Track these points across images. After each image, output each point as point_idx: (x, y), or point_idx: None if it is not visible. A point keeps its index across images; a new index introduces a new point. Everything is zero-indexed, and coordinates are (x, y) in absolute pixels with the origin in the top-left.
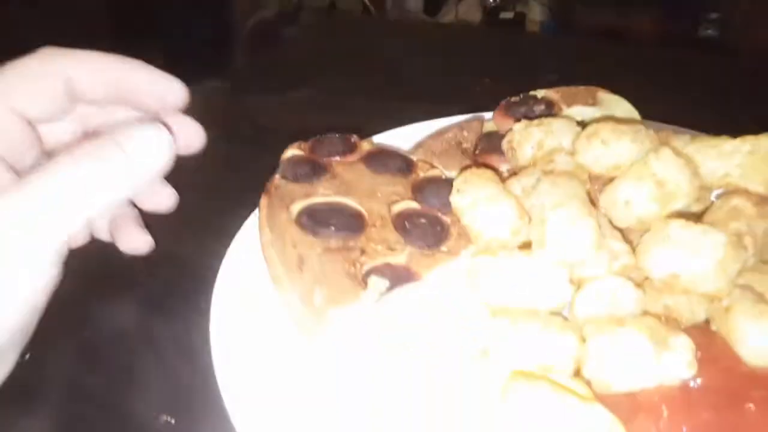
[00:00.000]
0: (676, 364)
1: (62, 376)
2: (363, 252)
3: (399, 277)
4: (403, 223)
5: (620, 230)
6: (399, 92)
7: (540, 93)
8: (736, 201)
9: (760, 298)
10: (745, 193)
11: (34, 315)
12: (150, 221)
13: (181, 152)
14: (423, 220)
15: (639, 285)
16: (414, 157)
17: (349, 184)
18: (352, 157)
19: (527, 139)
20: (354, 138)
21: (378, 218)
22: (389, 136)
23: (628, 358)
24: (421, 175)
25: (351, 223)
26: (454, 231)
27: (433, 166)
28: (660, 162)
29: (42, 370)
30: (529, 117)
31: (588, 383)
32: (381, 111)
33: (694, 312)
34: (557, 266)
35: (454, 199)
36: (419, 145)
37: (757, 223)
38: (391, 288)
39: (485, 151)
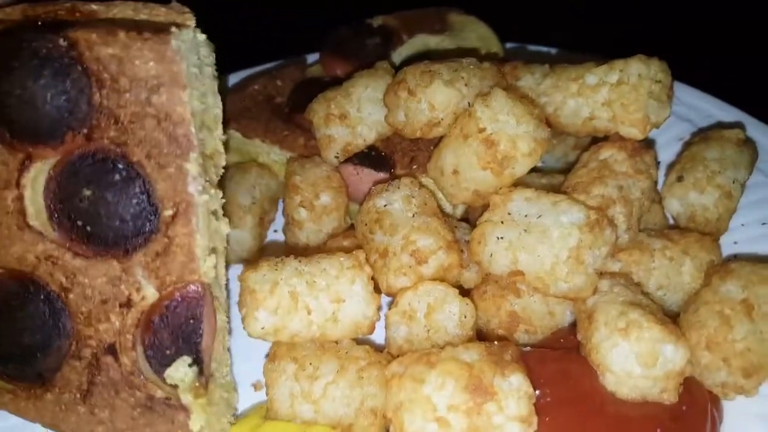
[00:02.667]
0: (505, 422)
1: None
2: None
3: None
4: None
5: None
6: None
7: (377, 20)
8: (607, 153)
9: (633, 295)
10: (619, 140)
11: None
12: None
13: None
14: (87, 192)
15: (480, 286)
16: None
17: None
18: None
19: (328, 125)
20: None
21: None
22: None
23: (435, 418)
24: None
25: None
26: (161, 180)
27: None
28: (489, 111)
29: None
30: (360, 56)
31: None
32: None
33: (555, 316)
34: (344, 271)
35: None
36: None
37: (633, 183)
38: None
39: (299, 107)
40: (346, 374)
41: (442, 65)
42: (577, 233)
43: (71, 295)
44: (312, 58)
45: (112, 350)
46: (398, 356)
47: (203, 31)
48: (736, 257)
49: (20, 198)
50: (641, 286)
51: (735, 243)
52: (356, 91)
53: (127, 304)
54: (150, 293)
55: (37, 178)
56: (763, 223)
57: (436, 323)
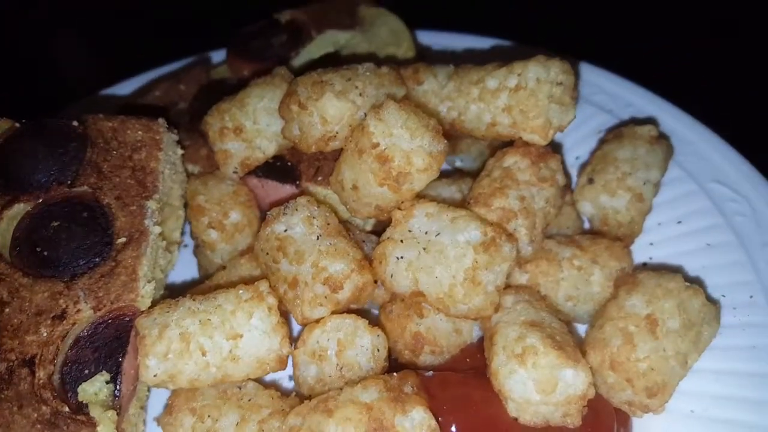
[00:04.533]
0: None
1: None
2: None
3: None
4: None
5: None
6: None
7: (285, 15)
8: (510, 160)
9: (536, 312)
10: (524, 146)
11: None
12: None
13: None
14: (56, 223)
15: (387, 305)
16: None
17: None
18: None
19: (223, 140)
20: None
21: None
22: None
23: None
24: None
25: None
26: (123, 216)
27: None
28: (382, 125)
29: None
30: (266, 56)
31: None
32: None
33: (462, 334)
34: (242, 304)
35: None
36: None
37: (536, 192)
38: None
39: (200, 115)
40: (247, 426)
41: (335, 74)
42: (471, 253)
43: (7, 309)
44: (218, 56)
45: (30, 363)
46: (309, 397)
47: None
48: (648, 264)
49: None
50: (549, 298)
51: (651, 244)
52: (251, 101)
53: (61, 316)
54: (86, 309)
55: (15, 216)
56: (679, 222)
57: (349, 360)
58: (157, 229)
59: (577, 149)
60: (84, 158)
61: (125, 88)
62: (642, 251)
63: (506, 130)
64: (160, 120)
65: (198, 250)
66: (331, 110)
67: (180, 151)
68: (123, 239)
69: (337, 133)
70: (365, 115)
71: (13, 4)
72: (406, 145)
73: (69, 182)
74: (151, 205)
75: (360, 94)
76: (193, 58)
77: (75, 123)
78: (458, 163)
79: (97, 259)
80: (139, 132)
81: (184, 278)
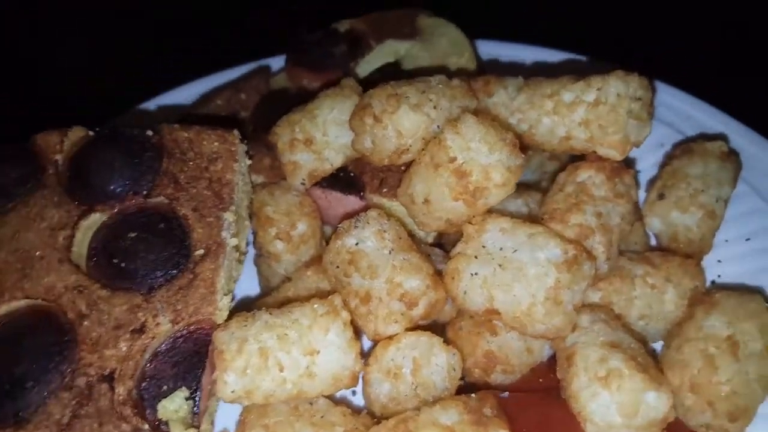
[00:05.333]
0: None
1: None
2: None
3: None
4: (103, 257)
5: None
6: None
7: (344, 25)
8: (584, 175)
9: (614, 332)
10: (597, 160)
11: None
12: None
13: None
14: (133, 234)
15: (455, 321)
16: None
17: None
18: None
19: (293, 151)
20: None
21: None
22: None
23: None
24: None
25: None
26: (200, 228)
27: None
28: (460, 139)
29: None
30: (326, 66)
31: None
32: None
33: (533, 353)
34: (318, 319)
35: None
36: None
37: (612, 208)
38: None
39: (263, 125)
40: None
41: (409, 87)
42: (554, 272)
43: (86, 322)
44: (276, 62)
45: (109, 378)
46: (381, 416)
47: None
48: (717, 281)
49: (71, 237)
50: (622, 317)
51: (719, 262)
52: (321, 113)
53: (140, 330)
54: (165, 323)
55: (91, 226)
56: (748, 239)
57: (424, 379)
58: (233, 241)
59: (639, 163)
60: (160, 168)
61: (178, 95)
62: (710, 269)
63: (581, 144)
64: (235, 131)
65: (261, 260)
66: (406, 123)
67: (248, 162)
68: (201, 251)
69: (410, 146)
70: (438, 128)
71: (13, 4)
72: (485, 160)
73: (145, 192)
74: (228, 216)
75: (434, 107)
76: (252, 66)
77: (150, 132)
78: None
79: (174, 271)
80: (215, 143)
81: (243, 287)
